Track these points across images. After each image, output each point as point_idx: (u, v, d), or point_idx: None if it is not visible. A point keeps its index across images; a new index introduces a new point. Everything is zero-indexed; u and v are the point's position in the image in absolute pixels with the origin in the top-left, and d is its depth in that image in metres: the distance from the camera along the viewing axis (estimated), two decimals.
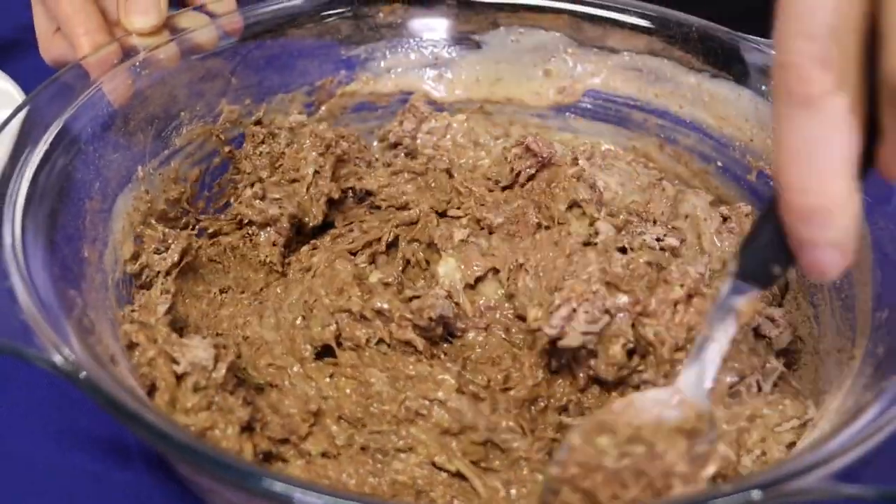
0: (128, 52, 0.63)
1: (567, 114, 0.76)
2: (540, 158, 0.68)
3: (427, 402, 0.54)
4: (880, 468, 0.40)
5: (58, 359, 0.42)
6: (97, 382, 0.41)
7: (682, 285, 0.55)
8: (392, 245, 0.67)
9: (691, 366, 0.48)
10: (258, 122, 0.70)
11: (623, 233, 0.63)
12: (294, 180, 0.66)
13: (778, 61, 0.38)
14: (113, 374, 0.44)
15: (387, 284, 0.60)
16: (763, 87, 0.67)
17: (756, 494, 0.38)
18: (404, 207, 0.68)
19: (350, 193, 0.70)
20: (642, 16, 0.72)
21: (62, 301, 0.47)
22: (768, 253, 0.43)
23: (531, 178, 0.68)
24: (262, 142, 0.69)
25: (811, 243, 0.39)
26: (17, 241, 0.48)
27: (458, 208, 0.68)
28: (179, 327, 0.57)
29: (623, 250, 0.61)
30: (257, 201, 0.65)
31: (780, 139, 0.39)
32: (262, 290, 0.64)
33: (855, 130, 0.38)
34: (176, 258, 0.60)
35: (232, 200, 0.69)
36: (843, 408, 0.48)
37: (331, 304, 0.59)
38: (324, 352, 0.58)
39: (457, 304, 0.60)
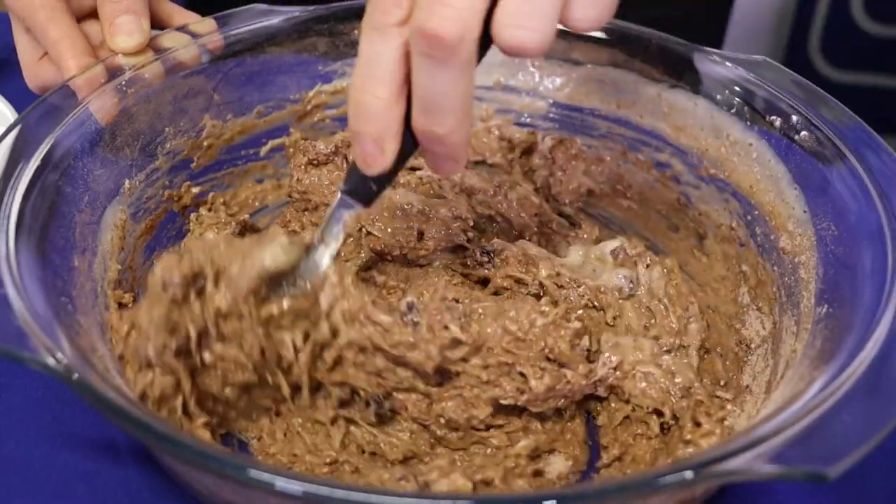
0: (114, 72, 0.67)
1: (536, 120, 0.80)
2: None
3: None
4: (808, 451, 0.44)
5: (51, 361, 0.45)
6: (88, 382, 0.45)
7: None
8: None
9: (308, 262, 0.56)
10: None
11: None
12: None
13: None
14: (102, 375, 0.48)
15: None
16: (718, 97, 0.70)
17: (689, 475, 0.42)
18: None
19: None
20: (604, 30, 0.75)
21: (54, 308, 0.51)
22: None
23: None
24: None
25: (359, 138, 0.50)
26: (10, 251, 0.51)
27: None
28: None
29: None
30: None
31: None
32: None
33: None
34: None
35: None
36: (780, 398, 0.52)
37: None
38: None
39: None
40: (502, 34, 0.45)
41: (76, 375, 0.45)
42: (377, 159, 0.50)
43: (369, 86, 0.48)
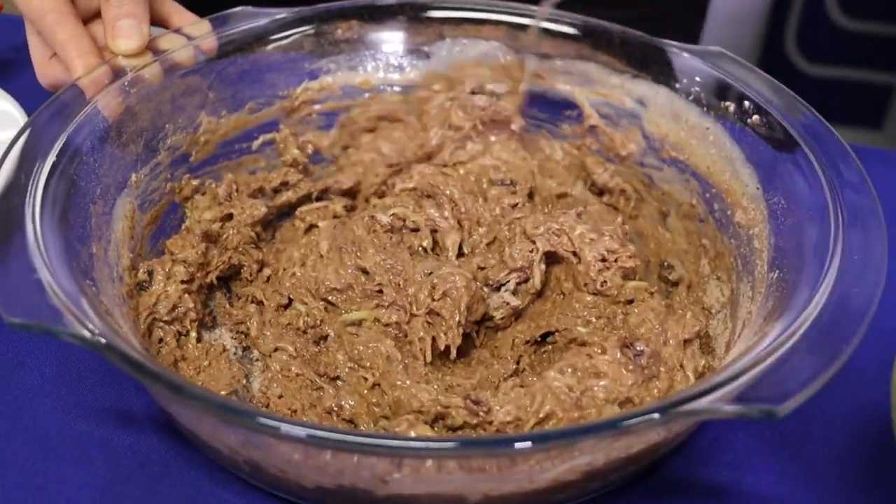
0: (117, 73, 0.72)
1: None
2: None
3: None
4: (761, 393, 0.49)
5: (86, 333, 0.50)
6: (119, 347, 0.50)
7: None
8: None
9: None
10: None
11: None
12: None
13: None
14: (129, 344, 0.53)
15: None
16: (677, 85, 0.76)
17: (655, 416, 0.47)
18: None
19: None
20: (571, 24, 0.81)
21: (80, 289, 0.55)
22: None
23: None
24: None
25: None
26: (39, 240, 0.56)
27: None
28: None
29: None
30: None
31: None
32: None
33: None
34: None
35: None
36: (737, 352, 0.58)
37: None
38: None
39: None
40: None
41: (104, 341, 0.51)
42: None
43: None
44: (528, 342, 0.68)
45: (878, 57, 1.92)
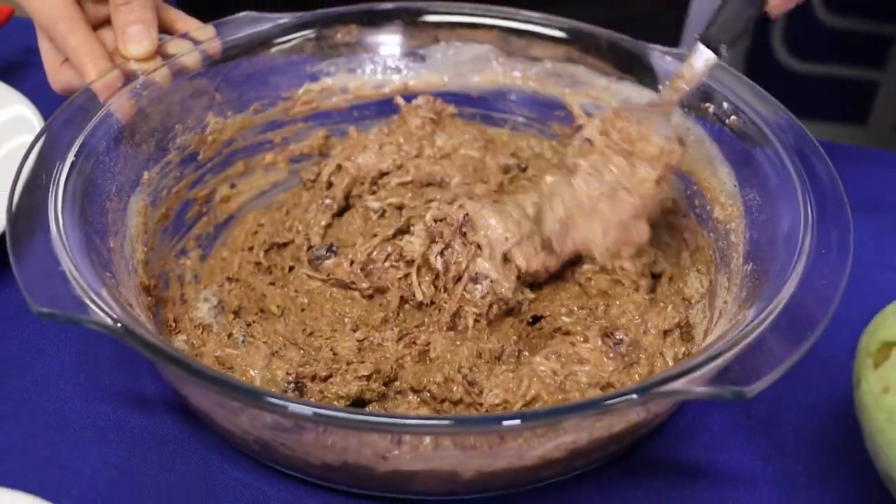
0: (128, 77, 0.75)
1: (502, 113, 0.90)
2: None
3: None
4: (732, 375, 0.54)
5: (109, 321, 0.54)
6: (141, 336, 0.54)
7: None
8: None
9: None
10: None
11: None
12: None
13: None
14: (147, 331, 0.57)
15: None
16: (660, 87, 0.80)
17: (634, 396, 0.52)
18: None
19: None
20: (560, 29, 0.85)
21: (100, 280, 0.59)
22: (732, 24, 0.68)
23: None
24: None
25: None
26: (62, 234, 0.60)
27: None
28: None
29: None
30: None
31: None
32: None
33: None
34: None
35: None
36: (712, 339, 0.62)
37: None
38: None
39: None
40: None
41: (126, 328, 0.55)
42: None
43: None
44: (521, 321, 0.72)
45: (863, 53, 1.96)
